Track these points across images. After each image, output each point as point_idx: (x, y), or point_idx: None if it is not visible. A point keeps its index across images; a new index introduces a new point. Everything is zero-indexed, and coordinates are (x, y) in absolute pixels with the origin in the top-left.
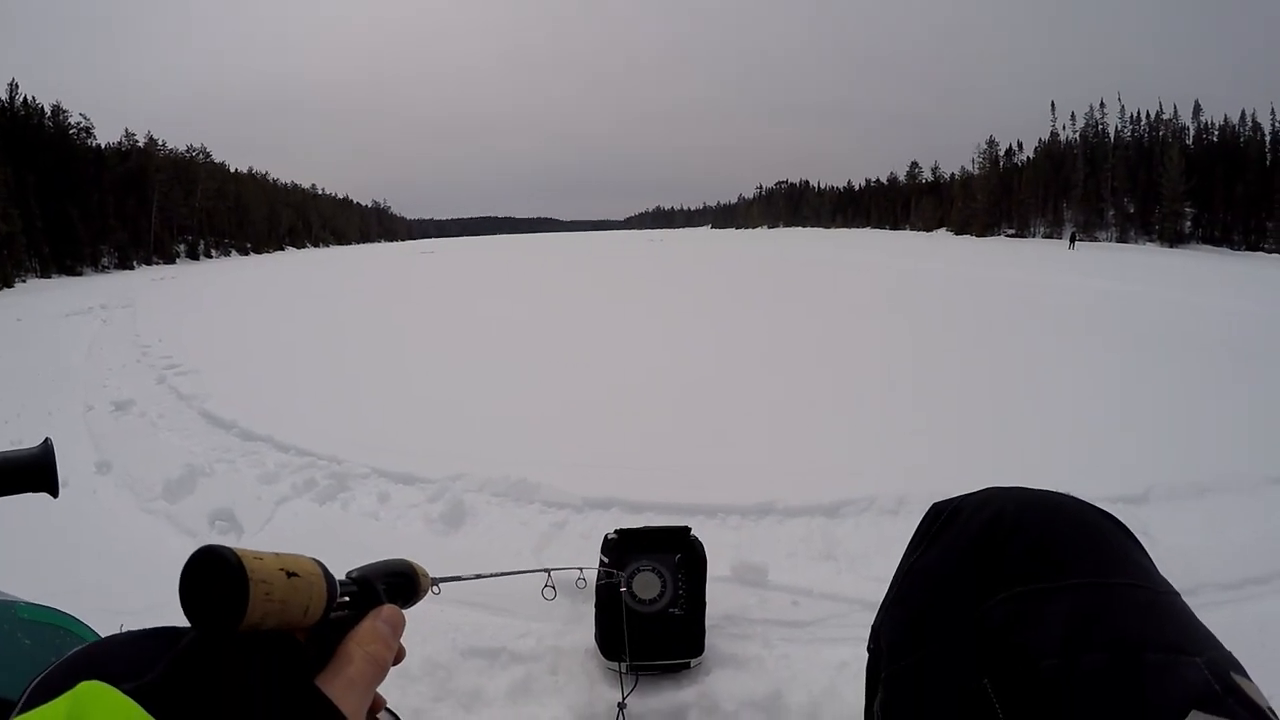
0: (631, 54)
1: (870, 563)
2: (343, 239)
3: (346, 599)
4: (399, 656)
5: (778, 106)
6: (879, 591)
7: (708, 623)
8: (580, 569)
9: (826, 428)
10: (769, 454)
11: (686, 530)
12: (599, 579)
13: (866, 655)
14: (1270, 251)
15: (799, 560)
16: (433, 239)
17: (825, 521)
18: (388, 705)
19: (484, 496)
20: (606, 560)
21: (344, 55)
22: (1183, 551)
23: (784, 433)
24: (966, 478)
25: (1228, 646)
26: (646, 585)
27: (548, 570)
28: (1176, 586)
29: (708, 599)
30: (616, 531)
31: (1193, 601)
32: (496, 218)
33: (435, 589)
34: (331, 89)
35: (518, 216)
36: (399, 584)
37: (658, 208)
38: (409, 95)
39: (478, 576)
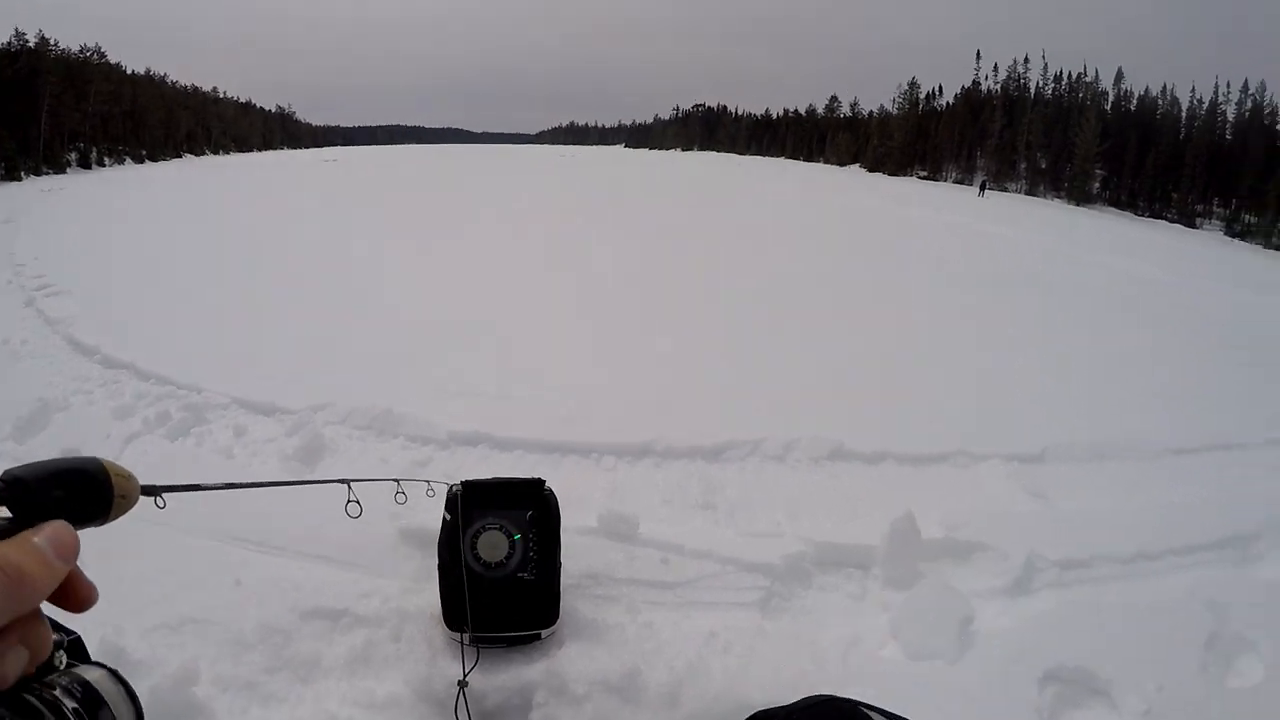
0: None
1: (751, 513)
2: (244, 145)
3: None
4: (78, 594)
5: (702, 23)
6: (756, 549)
7: (567, 581)
8: (397, 480)
9: (715, 365)
10: (653, 390)
11: (540, 484)
12: (441, 535)
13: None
14: (1172, 220)
15: (675, 509)
16: (338, 147)
17: (706, 465)
18: (70, 644)
19: (345, 430)
20: (449, 516)
21: None
22: (1080, 518)
23: (670, 368)
24: (857, 426)
25: (1127, 626)
26: (493, 546)
27: (347, 481)
28: (1071, 556)
29: (564, 559)
30: (462, 483)
31: (1086, 574)
32: (405, 127)
33: (159, 501)
34: None
35: (427, 126)
36: (78, 490)
37: (572, 123)
38: None
39: (229, 486)
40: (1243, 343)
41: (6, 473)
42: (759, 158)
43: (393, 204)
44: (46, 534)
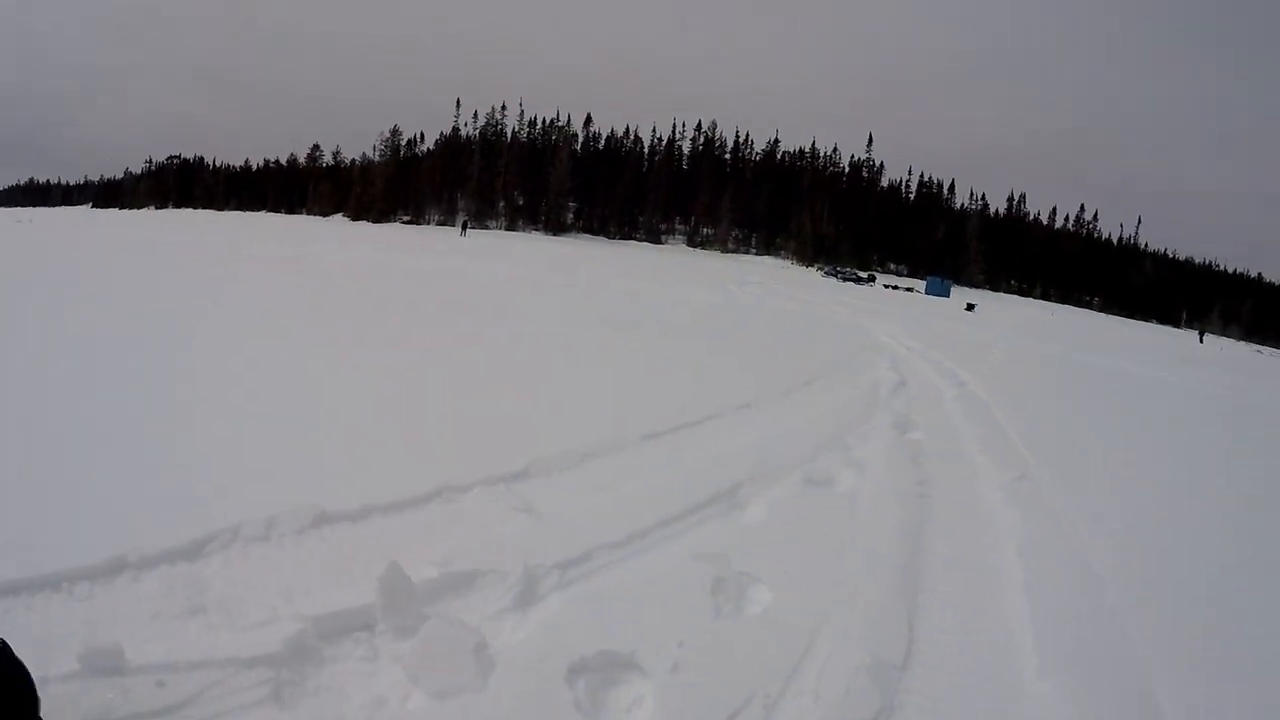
0: None
1: (243, 605)
2: None
3: None
4: None
5: (179, 69)
6: (254, 642)
7: None
8: None
9: (173, 444)
10: (107, 488)
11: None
12: None
13: None
14: (640, 240)
15: (165, 622)
16: None
17: (189, 566)
18: None
19: None
20: None
21: None
22: (571, 520)
23: (120, 460)
24: (338, 485)
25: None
26: None
27: None
28: (568, 557)
29: (49, 716)
30: None
31: (587, 568)
32: None
33: None
34: None
35: None
36: None
37: (31, 180)
38: None
39: None
40: (709, 335)
41: None
42: (239, 213)
43: None
44: None
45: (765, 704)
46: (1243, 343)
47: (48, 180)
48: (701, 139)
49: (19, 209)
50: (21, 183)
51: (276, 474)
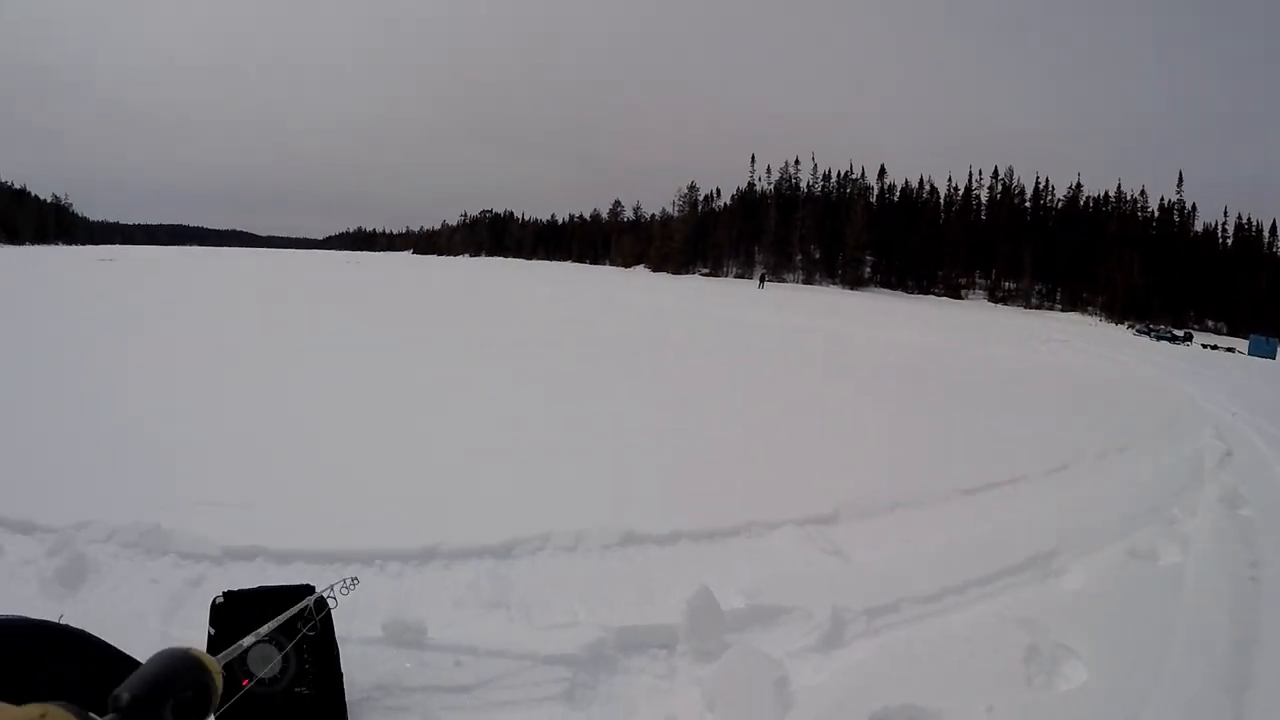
0: (332, 60)
1: (546, 606)
2: (15, 237)
3: None
4: None
5: (488, 132)
6: (554, 641)
7: (355, 695)
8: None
9: (495, 457)
10: (434, 487)
11: (310, 589)
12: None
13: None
14: (939, 295)
15: (467, 611)
16: (116, 245)
17: (496, 564)
18: None
19: (111, 548)
20: (214, 631)
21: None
22: (880, 567)
23: (448, 464)
24: (647, 509)
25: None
26: (264, 660)
27: None
28: (877, 604)
29: (346, 670)
30: (225, 595)
31: (895, 618)
32: (188, 227)
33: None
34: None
35: (210, 227)
36: (190, 697)
37: (359, 229)
38: (102, 75)
39: None
40: (1017, 393)
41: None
42: (547, 262)
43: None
44: None
45: None
46: None
47: (373, 229)
48: (999, 187)
49: (348, 252)
50: (350, 230)
51: (588, 493)
